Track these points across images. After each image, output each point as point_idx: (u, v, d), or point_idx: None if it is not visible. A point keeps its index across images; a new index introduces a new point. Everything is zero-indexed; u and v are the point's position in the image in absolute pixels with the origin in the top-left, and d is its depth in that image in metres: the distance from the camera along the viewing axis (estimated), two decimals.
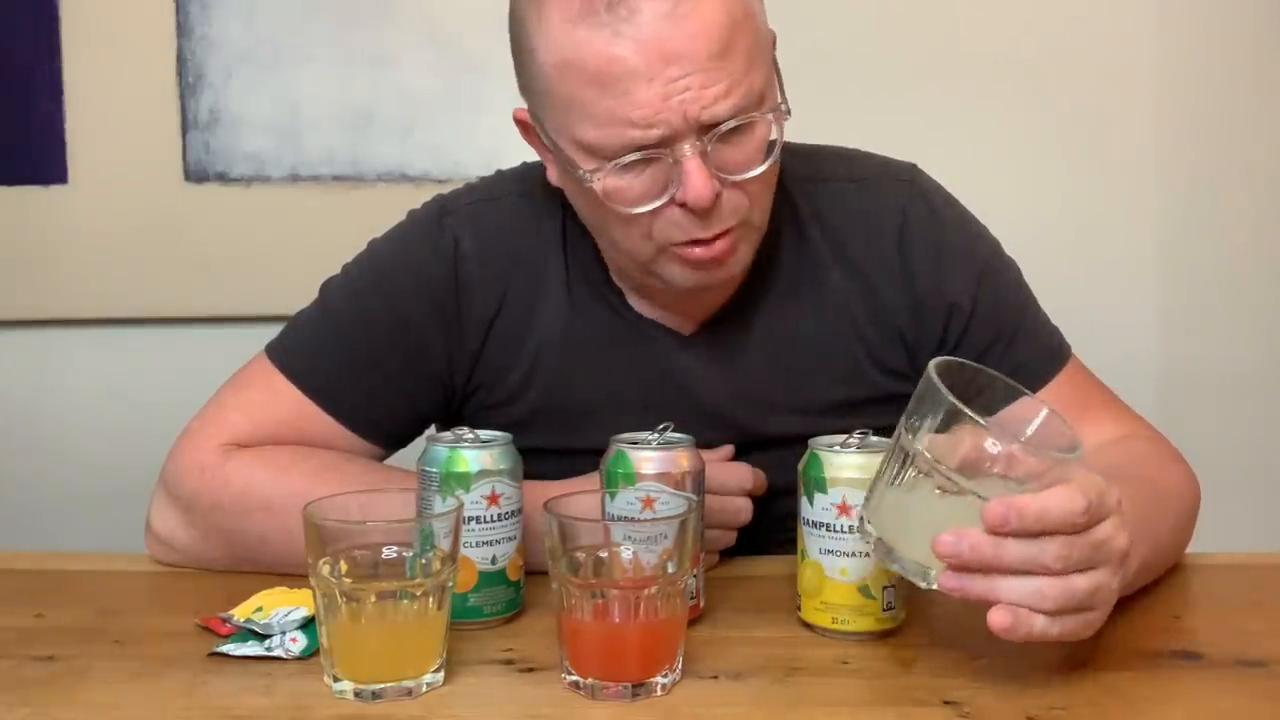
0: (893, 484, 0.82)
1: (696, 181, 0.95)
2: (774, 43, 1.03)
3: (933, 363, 0.82)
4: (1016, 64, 1.79)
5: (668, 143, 0.95)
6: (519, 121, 1.06)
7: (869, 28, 1.78)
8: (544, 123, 1.02)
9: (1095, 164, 1.81)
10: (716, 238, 1.00)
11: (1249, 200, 1.83)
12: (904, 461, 0.81)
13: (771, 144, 0.99)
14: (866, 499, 0.83)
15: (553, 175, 1.07)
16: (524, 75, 1.02)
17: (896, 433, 0.82)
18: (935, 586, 0.80)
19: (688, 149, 0.95)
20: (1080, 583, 0.78)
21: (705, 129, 0.95)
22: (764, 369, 1.13)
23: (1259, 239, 1.83)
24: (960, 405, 0.78)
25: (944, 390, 0.79)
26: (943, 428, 0.79)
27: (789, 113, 1.00)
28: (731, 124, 0.95)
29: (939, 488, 0.79)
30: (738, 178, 0.98)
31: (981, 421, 0.78)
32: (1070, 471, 0.79)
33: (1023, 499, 0.77)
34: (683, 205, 0.97)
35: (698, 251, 1.01)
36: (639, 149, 0.95)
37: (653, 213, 0.98)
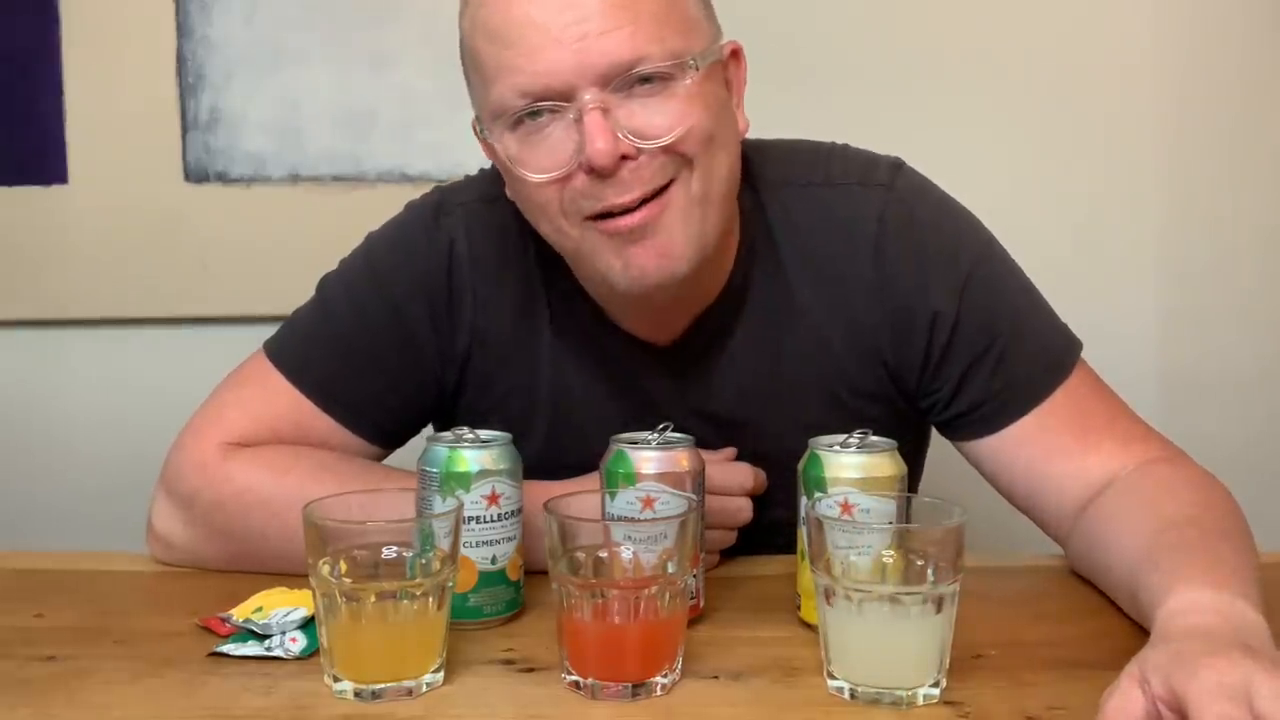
0: (835, 627, 0.81)
1: (596, 139, 0.91)
2: (736, 54, 1.01)
3: (804, 505, 0.86)
4: (1016, 63, 1.79)
5: (569, 95, 0.92)
6: (476, 134, 1.04)
7: (867, 26, 1.78)
8: (477, 115, 1.01)
9: (1095, 163, 1.81)
10: (639, 206, 0.95)
11: (1249, 200, 1.83)
12: (829, 598, 0.80)
13: (698, 105, 0.94)
14: (825, 657, 0.82)
15: (508, 188, 1.05)
16: (464, 68, 1.02)
17: (818, 583, 0.81)
18: (927, 700, 0.79)
19: (589, 99, 0.92)
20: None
21: (608, 79, 0.92)
22: (738, 388, 1.11)
23: (1260, 239, 1.83)
24: (822, 515, 0.80)
25: (812, 515, 0.82)
26: (834, 545, 0.80)
27: (697, 68, 0.94)
28: (638, 72, 0.92)
29: (865, 602, 0.79)
30: (654, 143, 0.94)
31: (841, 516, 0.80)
32: None
33: None
34: (591, 171, 0.93)
35: (616, 222, 0.95)
36: (538, 99, 0.93)
37: (563, 183, 0.95)
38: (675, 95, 0.94)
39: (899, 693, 0.79)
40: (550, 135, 0.95)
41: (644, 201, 0.96)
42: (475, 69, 0.99)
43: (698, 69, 0.95)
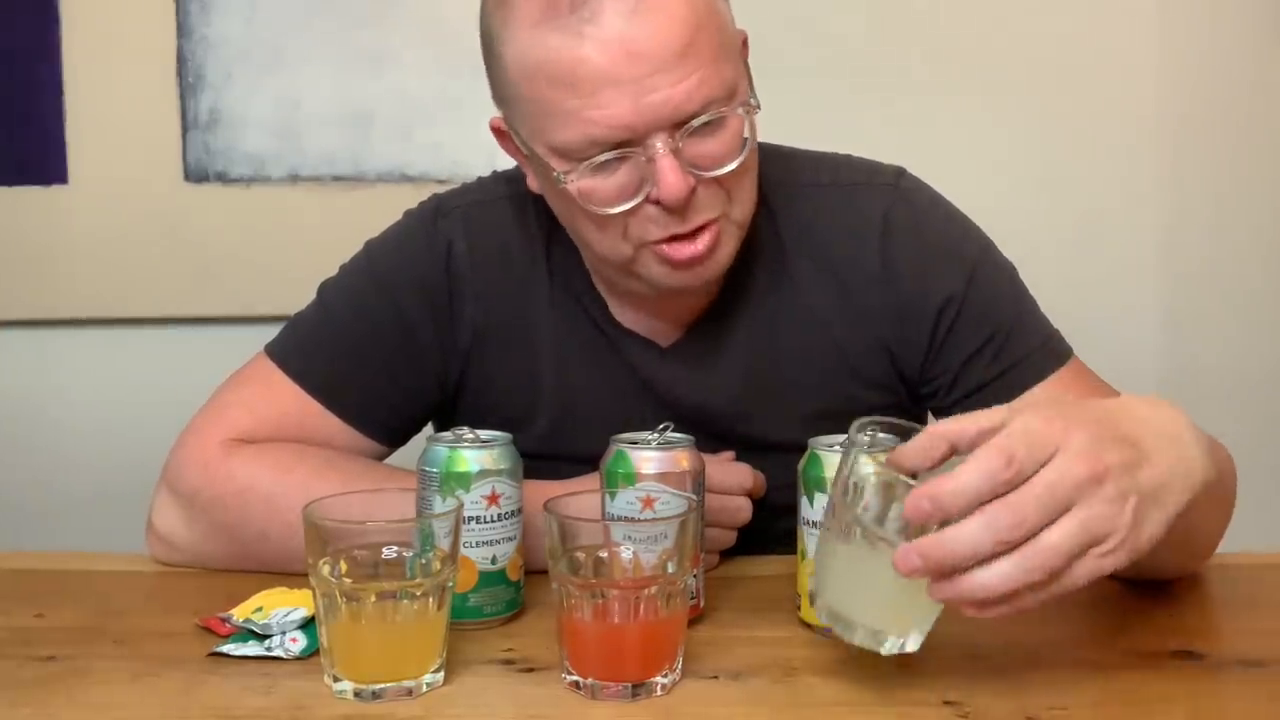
0: (837, 554, 0.79)
1: (670, 178, 0.95)
2: (745, 43, 1.03)
3: (855, 424, 0.80)
4: (1017, 64, 1.79)
5: (639, 140, 0.95)
6: (495, 130, 1.06)
7: (867, 27, 1.78)
8: (518, 129, 1.02)
9: (1096, 163, 1.82)
10: (697, 233, 1.00)
11: (1249, 200, 1.83)
12: (845, 529, 0.79)
13: (746, 138, 0.99)
14: (814, 574, 0.81)
15: (532, 182, 1.07)
16: (495, 83, 1.02)
17: (830, 501, 0.80)
18: (894, 651, 0.79)
19: (660, 145, 0.95)
20: (1053, 538, 0.70)
21: (677, 125, 0.95)
22: (741, 380, 1.12)
23: (1259, 239, 1.83)
24: (881, 466, 0.76)
25: (865, 454, 0.77)
26: (876, 490, 0.78)
27: (759, 107, 1.00)
28: (704, 118, 0.95)
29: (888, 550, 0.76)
30: (713, 173, 0.97)
31: (904, 478, 0.75)
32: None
33: (936, 480, 0.71)
34: (657, 203, 0.97)
35: (679, 252, 1.00)
36: (610, 148, 0.95)
37: (628, 212, 0.98)
38: (729, 127, 0.98)
39: (876, 629, 0.78)
40: (618, 172, 0.97)
41: (701, 226, 1.00)
42: (531, 106, 0.98)
43: (749, 104, 0.99)
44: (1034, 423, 0.73)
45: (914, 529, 0.74)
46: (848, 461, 0.79)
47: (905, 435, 0.80)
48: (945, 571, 0.72)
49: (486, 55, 1.02)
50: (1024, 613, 0.73)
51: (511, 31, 0.97)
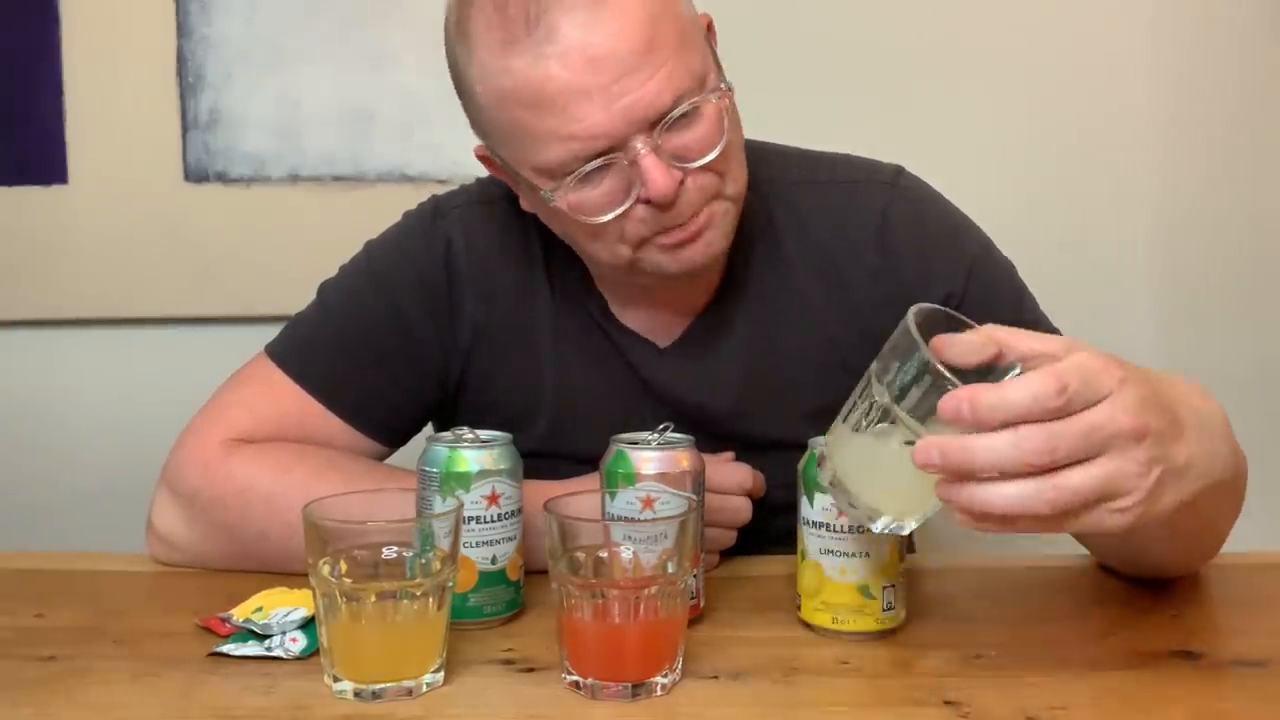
0: (859, 429, 0.78)
1: (655, 176, 0.95)
2: (710, 27, 1.03)
3: (911, 310, 0.77)
4: (1013, 64, 1.79)
5: (619, 145, 0.95)
6: (481, 158, 1.07)
7: (864, 27, 1.78)
8: (501, 155, 1.02)
9: (1093, 164, 1.81)
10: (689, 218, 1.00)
11: (1247, 200, 1.83)
12: (870, 408, 0.77)
13: (725, 122, 0.98)
14: (829, 435, 0.81)
15: (525, 203, 1.08)
16: (471, 114, 1.03)
17: (868, 375, 0.78)
18: (885, 531, 0.79)
19: (640, 146, 0.95)
20: (1075, 478, 0.70)
21: (653, 123, 0.95)
22: (741, 379, 1.13)
23: (1258, 239, 1.83)
24: (933, 359, 0.73)
25: (920, 343, 0.74)
26: (916, 379, 0.75)
27: (732, 90, 1.00)
28: (679, 111, 0.95)
29: (907, 441, 0.75)
30: (697, 163, 0.98)
31: (950, 377, 0.72)
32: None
33: (980, 387, 0.70)
34: (649, 202, 0.97)
35: (676, 235, 1.00)
36: (591, 159, 0.95)
37: (621, 216, 0.98)
38: (705, 115, 0.98)
39: (874, 507, 0.79)
40: (605, 180, 0.97)
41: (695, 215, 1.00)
42: (509, 132, 0.98)
43: (720, 88, 0.99)
44: (1093, 362, 0.72)
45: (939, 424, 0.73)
46: (895, 339, 0.77)
47: (958, 328, 0.79)
48: (959, 476, 0.72)
49: (458, 90, 1.02)
50: (1011, 534, 0.73)
51: (477, 65, 0.97)
